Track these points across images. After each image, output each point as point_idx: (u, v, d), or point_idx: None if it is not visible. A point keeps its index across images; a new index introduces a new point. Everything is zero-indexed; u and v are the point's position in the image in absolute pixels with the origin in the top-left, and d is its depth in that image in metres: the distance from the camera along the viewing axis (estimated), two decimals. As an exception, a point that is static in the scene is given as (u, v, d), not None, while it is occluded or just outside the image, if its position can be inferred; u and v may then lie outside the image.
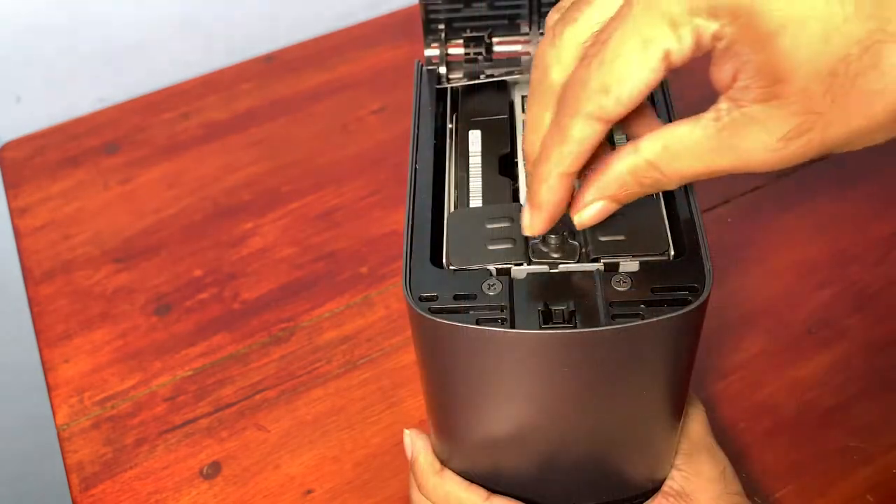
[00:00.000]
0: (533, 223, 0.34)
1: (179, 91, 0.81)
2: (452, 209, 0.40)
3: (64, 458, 0.57)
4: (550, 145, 0.31)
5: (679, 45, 0.28)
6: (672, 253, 0.37)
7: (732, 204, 0.67)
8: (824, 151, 0.29)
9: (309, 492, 0.54)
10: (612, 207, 0.33)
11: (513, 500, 0.43)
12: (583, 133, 0.30)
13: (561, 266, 0.37)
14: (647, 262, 0.36)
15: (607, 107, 0.29)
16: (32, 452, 0.89)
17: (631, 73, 0.29)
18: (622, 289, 0.35)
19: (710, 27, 0.27)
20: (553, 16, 0.33)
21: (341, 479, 0.54)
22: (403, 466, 0.54)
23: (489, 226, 0.38)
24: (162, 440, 0.57)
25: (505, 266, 0.37)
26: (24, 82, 0.78)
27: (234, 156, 0.75)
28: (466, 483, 0.43)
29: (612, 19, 0.29)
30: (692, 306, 0.34)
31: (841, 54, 0.26)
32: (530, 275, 0.37)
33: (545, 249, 0.36)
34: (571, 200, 0.33)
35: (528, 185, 0.34)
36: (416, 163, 0.41)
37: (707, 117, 0.29)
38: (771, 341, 0.59)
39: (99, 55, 0.79)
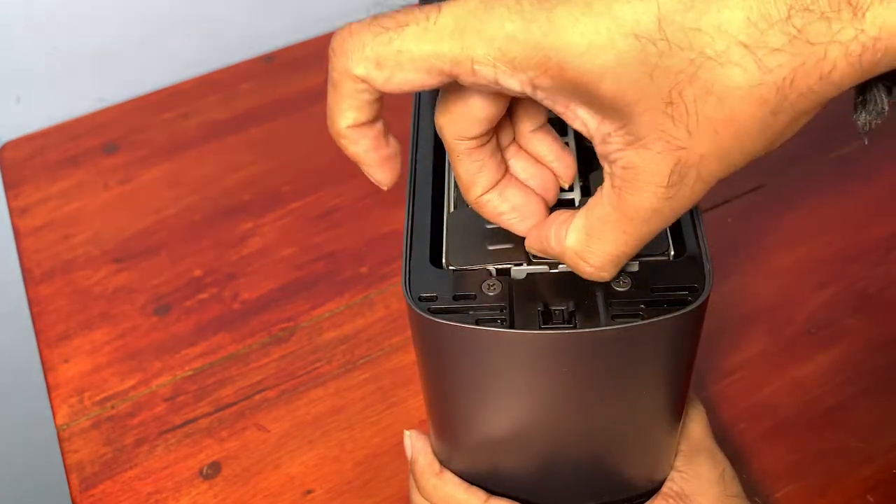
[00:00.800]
0: (376, 178, 0.34)
1: (179, 91, 0.81)
2: (452, 209, 0.40)
3: (64, 458, 0.57)
4: (329, 102, 0.32)
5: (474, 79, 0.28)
6: (672, 253, 0.37)
7: (732, 204, 0.67)
8: (717, 181, 0.29)
9: (309, 492, 0.54)
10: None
11: (512, 501, 0.43)
12: (351, 88, 0.30)
13: (561, 266, 0.37)
14: (647, 262, 0.36)
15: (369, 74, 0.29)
16: (32, 452, 0.89)
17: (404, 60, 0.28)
18: (622, 289, 0.35)
19: (514, 80, 0.28)
20: None
21: (341, 479, 0.54)
22: (403, 466, 0.54)
23: (489, 226, 0.38)
24: (162, 440, 0.57)
25: (505, 266, 0.37)
26: (24, 82, 0.78)
27: (234, 156, 0.75)
28: (466, 484, 0.43)
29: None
30: (692, 306, 0.34)
31: (669, 85, 0.26)
32: (530, 275, 0.37)
33: None
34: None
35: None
36: (416, 163, 0.41)
37: (605, 187, 0.30)
38: (771, 341, 0.59)
39: (99, 55, 0.79)
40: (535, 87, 0.28)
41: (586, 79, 0.27)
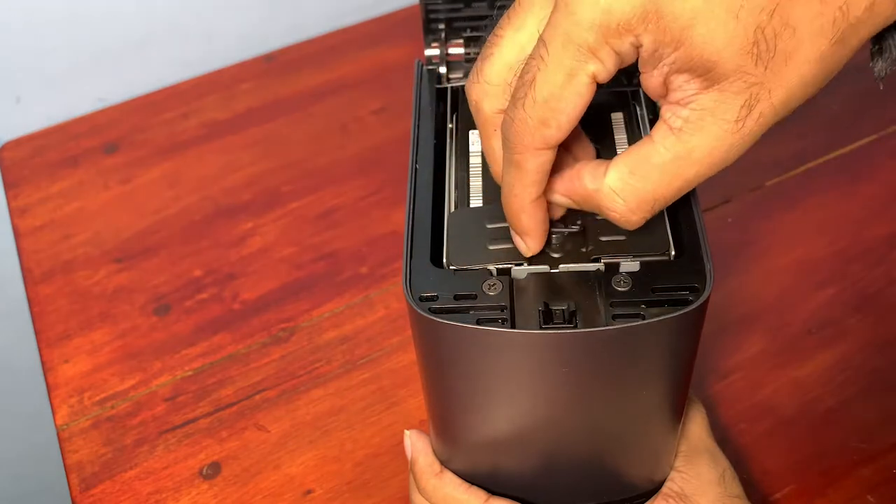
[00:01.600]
0: (529, 246, 0.35)
1: (179, 91, 0.81)
2: (452, 209, 0.40)
3: (64, 458, 0.56)
4: (513, 181, 0.33)
5: (603, 66, 0.29)
6: (672, 253, 0.37)
7: (732, 204, 0.67)
8: (776, 118, 0.30)
9: (309, 492, 0.54)
10: (561, 209, 0.36)
11: (512, 501, 0.43)
12: (536, 163, 0.32)
13: (561, 266, 0.37)
14: (647, 262, 0.36)
15: (550, 136, 0.31)
16: (32, 452, 0.90)
17: (565, 104, 0.30)
18: (623, 289, 0.35)
19: (626, 42, 0.29)
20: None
21: (341, 479, 0.54)
22: (403, 466, 0.54)
23: (489, 226, 0.38)
24: (162, 440, 0.57)
25: (505, 266, 0.37)
26: (24, 82, 0.78)
27: (234, 156, 0.75)
28: (466, 485, 0.43)
29: (532, 58, 0.30)
30: (692, 306, 0.34)
31: (753, 25, 0.27)
32: (531, 275, 0.37)
33: (546, 250, 0.36)
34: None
35: (507, 216, 0.35)
36: (416, 163, 0.41)
37: (660, 131, 0.30)
38: (771, 341, 0.59)
39: (99, 55, 0.79)
40: (640, 47, 0.29)
41: (679, 25, 0.28)
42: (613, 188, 0.32)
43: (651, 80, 0.30)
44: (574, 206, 0.35)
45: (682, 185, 0.31)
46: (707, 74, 0.29)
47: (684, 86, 0.29)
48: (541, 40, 0.30)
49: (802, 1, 0.27)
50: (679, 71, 0.29)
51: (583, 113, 0.31)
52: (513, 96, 0.31)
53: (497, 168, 0.35)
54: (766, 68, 0.28)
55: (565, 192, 0.34)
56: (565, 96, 0.30)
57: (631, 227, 0.33)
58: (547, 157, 0.32)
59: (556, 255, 0.36)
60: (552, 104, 0.30)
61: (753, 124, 0.29)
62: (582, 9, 0.28)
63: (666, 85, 0.30)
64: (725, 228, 0.65)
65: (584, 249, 0.36)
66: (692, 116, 0.30)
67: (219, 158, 0.74)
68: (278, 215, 0.69)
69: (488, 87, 0.34)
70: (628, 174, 0.32)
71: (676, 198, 0.32)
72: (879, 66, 0.32)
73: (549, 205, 0.35)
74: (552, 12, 0.29)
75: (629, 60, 0.30)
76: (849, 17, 0.28)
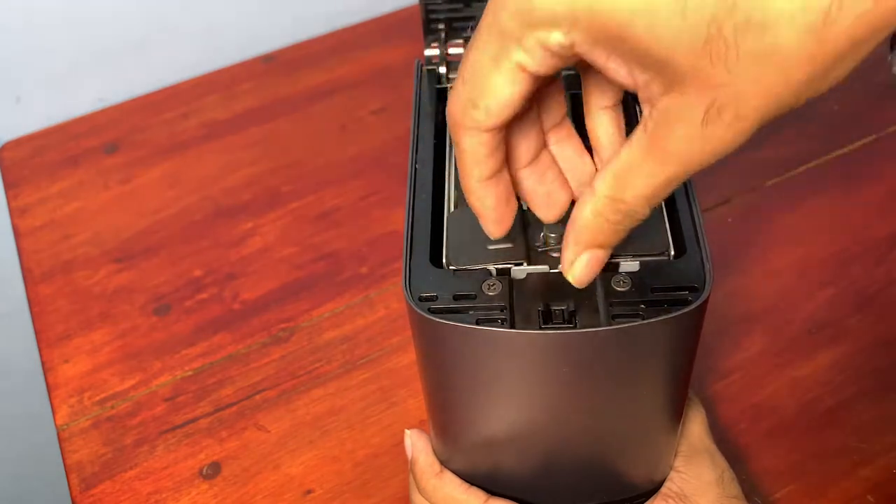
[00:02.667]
0: (487, 229, 0.35)
1: (179, 91, 0.81)
2: (452, 209, 0.40)
3: (64, 458, 0.57)
4: (458, 161, 0.33)
5: (530, 57, 0.28)
6: (672, 253, 0.37)
7: (732, 204, 0.67)
8: (759, 123, 0.27)
9: (309, 492, 0.54)
10: (601, 255, 0.33)
11: (512, 502, 0.43)
12: (470, 144, 0.31)
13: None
14: (647, 262, 0.36)
15: (479, 118, 0.30)
16: (32, 452, 0.89)
17: (491, 88, 0.29)
18: (622, 289, 0.35)
19: (552, 36, 0.27)
20: None
21: (341, 479, 0.54)
22: (403, 466, 0.54)
23: None
24: (162, 440, 0.57)
25: (505, 266, 0.37)
26: (24, 82, 0.78)
27: (234, 156, 0.75)
28: (466, 485, 0.43)
29: (471, 38, 0.30)
30: (692, 306, 0.34)
31: (705, 22, 0.25)
32: (530, 275, 0.37)
33: (546, 249, 0.36)
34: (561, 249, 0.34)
35: (470, 206, 0.35)
36: (416, 163, 0.41)
37: (637, 132, 0.29)
38: (771, 341, 0.59)
39: (99, 55, 0.79)
40: (572, 44, 0.27)
41: (616, 24, 0.26)
42: (608, 196, 0.31)
43: (615, 76, 0.29)
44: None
45: (669, 182, 0.30)
46: (664, 73, 0.27)
47: (649, 84, 0.28)
48: (477, 25, 0.30)
49: None
50: (637, 67, 0.27)
51: (519, 104, 0.30)
52: (456, 77, 0.31)
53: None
54: (727, 70, 0.25)
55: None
56: (491, 80, 0.29)
57: (640, 220, 0.32)
58: (482, 140, 0.31)
59: (556, 255, 0.36)
60: (479, 85, 0.30)
61: (726, 129, 0.27)
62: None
63: (634, 82, 0.29)
64: (725, 228, 0.65)
65: None
66: (659, 118, 0.28)
67: (219, 158, 0.74)
68: (278, 215, 0.69)
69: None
70: (613, 181, 0.31)
71: (667, 194, 0.30)
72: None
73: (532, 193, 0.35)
74: None
75: (566, 56, 0.28)
76: (848, 11, 0.24)
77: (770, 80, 0.25)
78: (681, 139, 0.28)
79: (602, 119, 0.35)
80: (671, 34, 0.25)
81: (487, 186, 0.33)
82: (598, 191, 0.31)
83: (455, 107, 0.31)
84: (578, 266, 0.33)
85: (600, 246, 0.32)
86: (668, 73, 0.26)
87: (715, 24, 0.25)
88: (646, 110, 0.29)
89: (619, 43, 0.27)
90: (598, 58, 0.28)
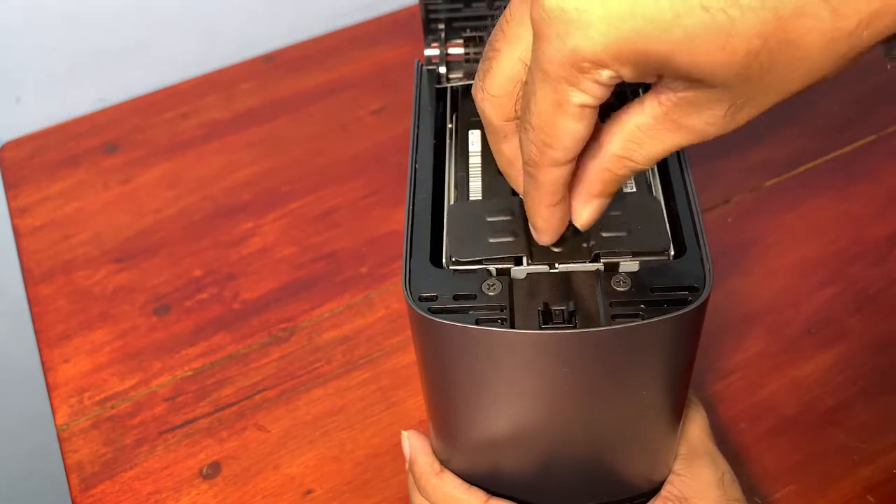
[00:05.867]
0: (542, 240, 0.36)
1: (179, 91, 0.81)
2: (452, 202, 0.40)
3: (64, 458, 0.57)
4: (530, 190, 0.34)
5: (589, 95, 0.29)
6: (672, 253, 0.37)
7: (732, 204, 0.67)
8: (777, 102, 0.29)
9: (309, 492, 0.54)
10: (604, 202, 0.35)
11: (512, 502, 0.43)
12: (551, 177, 0.33)
13: (560, 266, 0.37)
14: (647, 262, 0.36)
15: (556, 157, 0.32)
16: (32, 452, 0.90)
17: (563, 130, 0.30)
18: (622, 289, 0.35)
19: (603, 74, 0.28)
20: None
21: (341, 479, 0.54)
22: (403, 466, 0.54)
23: (490, 219, 0.37)
24: (162, 440, 0.57)
25: (505, 266, 0.37)
26: (24, 82, 0.78)
27: (234, 156, 0.75)
28: (466, 485, 0.43)
29: (525, 85, 0.31)
30: (692, 306, 0.34)
31: (744, 51, 0.26)
32: (530, 275, 0.37)
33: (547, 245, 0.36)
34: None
35: (527, 212, 0.36)
36: (416, 163, 0.41)
37: (649, 103, 0.30)
38: (771, 341, 0.59)
39: (99, 55, 0.79)
40: (621, 75, 0.28)
41: (658, 57, 0.27)
42: (617, 154, 0.32)
43: (645, 80, 0.30)
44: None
45: (680, 146, 0.31)
46: (693, 84, 0.28)
47: (673, 83, 0.29)
48: (528, 71, 0.30)
49: (810, 16, 0.25)
50: (670, 78, 0.29)
51: (589, 133, 0.31)
52: (520, 119, 0.32)
53: (507, 170, 0.37)
54: (759, 80, 0.27)
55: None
56: (559, 123, 0.30)
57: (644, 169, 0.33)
58: (560, 172, 0.32)
59: (557, 250, 0.36)
60: (548, 131, 0.31)
61: (745, 116, 0.29)
62: (551, 49, 0.28)
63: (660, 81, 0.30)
64: (725, 228, 0.65)
65: (585, 244, 0.36)
66: (679, 102, 0.29)
67: (219, 158, 0.74)
68: (278, 215, 0.69)
69: (494, 98, 0.34)
70: (624, 142, 0.32)
71: (673, 152, 0.32)
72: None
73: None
74: (533, 43, 0.29)
75: (621, 81, 0.29)
76: (874, 30, 0.26)
77: (797, 81, 0.27)
78: (698, 121, 0.30)
79: None
80: (711, 62, 0.27)
81: (557, 209, 0.34)
82: (607, 149, 0.32)
83: (530, 150, 0.32)
84: (586, 214, 0.35)
85: (606, 195, 0.34)
86: (698, 84, 0.28)
87: (753, 53, 0.26)
88: (663, 91, 0.30)
89: (661, 69, 0.28)
90: (642, 78, 0.29)
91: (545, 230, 0.36)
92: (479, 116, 0.44)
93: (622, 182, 0.34)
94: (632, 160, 0.32)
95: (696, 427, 0.45)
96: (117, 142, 0.77)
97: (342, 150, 0.73)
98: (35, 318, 0.65)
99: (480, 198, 0.40)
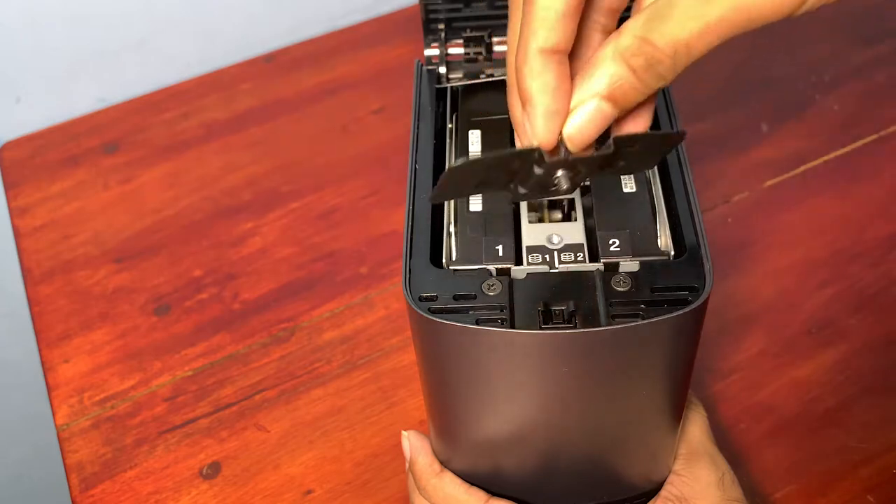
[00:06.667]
0: (533, 125, 0.29)
1: (179, 91, 0.81)
2: (452, 208, 0.40)
3: (64, 458, 0.57)
4: (522, 26, 0.28)
5: None
6: (672, 253, 0.37)
7: (732, 204, 0.67)
8: None
9: (309, 492, 0.54)
10: (607, 110, 0.29)
11: (512, 502, 0.43)
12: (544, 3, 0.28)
13: (560, 266, 0.37)
14: (647, 261, 0.36)
15: None
16: (32, 452, 0.90)
17: None
18: (622, 289, 0.35)
19: None
20: None
21: (341, 479, 0.54)
22: (403, 466, 0.54)
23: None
24: (162, 440, 0.57)
25: (505, 266, 0.37)
26: (23, 82, 0.78)
27: (234, 156, 0.75)
28: (466, 485, 0.43)
29: None
30: (692, 306, 0.34)
31: None
32: (530, 275, 0.37)
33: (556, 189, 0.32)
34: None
35: (508, 78, 0.30)
36: (416, 163, 0.41)
37: None
38: (771, 341, 0.59)
39: (99, 55, 0.79)
40: None
41: None
42: (637, 36, 0.27)
43: None
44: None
45: (702, 30, 0.27)
46: None
47: None
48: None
49: None
50: None
51: None
52: None
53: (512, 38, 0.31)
54: None
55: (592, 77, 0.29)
56: None
57: (667, 81, 0.28)
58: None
59: (552, 189, 0.32)
60: None
61: None
62: None
63: None
64: (725, 228, 0.65)
65: (578, 179, 0.31)
66: None
67: (219, 158, 0.74)
68: (278, 215, 0.69)
69: None
70: (647, 20, 0.27)
71: (698, 53, 0.27)
72: None
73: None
74: None
75: None
76: None
77: None
78: None
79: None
80: None
81: (550, 62, 0.29)
82: (626, 30, 0.28)
83: None
84: (578, 115, 0.29)
85: (612, 100, 0.29)
86: None
87: None
88: None
89: None
90: None
91: (533, 97, 0.29)
92: (478, 116, 0.45)
93: (634, 88, 0.28)
94: (652, 43, 0.27)
95: (696, 427, 0.45)
96: (117, 142, 0.77)
97: (342, 150, 0.73)
98: (35, 318, 0.65)
99: (480, 199, 0.40)
